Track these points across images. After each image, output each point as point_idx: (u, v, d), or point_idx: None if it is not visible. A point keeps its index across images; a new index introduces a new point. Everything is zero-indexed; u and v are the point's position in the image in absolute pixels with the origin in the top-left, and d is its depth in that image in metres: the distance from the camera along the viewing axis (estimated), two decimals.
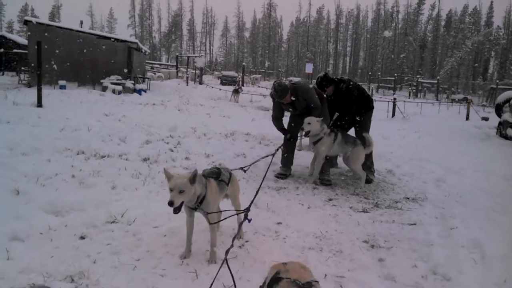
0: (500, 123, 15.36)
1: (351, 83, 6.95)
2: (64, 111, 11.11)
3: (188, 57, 55.18)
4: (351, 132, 7.16)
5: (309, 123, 6.17)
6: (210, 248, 3.56)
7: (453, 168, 8.19)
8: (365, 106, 7.10)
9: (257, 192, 3.85)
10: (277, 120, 6.91)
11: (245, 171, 4.65)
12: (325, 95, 7.06)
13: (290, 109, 6.81)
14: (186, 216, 3.62)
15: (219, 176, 3.76)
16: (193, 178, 3.22)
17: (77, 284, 3.02)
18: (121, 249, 3.57)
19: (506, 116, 14.80)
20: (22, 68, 22.41)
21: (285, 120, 7.04)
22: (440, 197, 6.07)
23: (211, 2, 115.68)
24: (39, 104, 11.65)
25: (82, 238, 3.75)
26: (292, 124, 6.94)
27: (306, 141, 9.51)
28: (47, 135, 7.60)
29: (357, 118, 7.05)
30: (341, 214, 5.07)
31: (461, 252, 4.04)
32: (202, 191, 3.41)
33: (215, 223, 3.56)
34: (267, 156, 5.47)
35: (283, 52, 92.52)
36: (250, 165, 4.78)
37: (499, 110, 16.59)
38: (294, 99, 6.48)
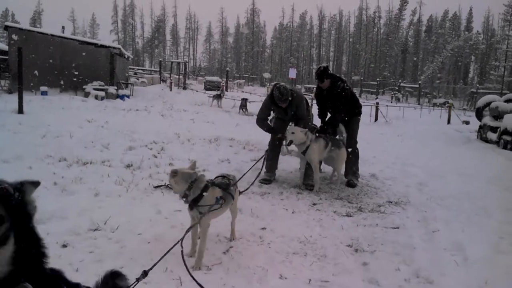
0: (480, 127, 15.64)
1: (347, 85, 7.09)
2: (46, 117, 10.97)
3: (172, 62, 54.95)
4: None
5: (292, 133, 6.23)
6: (197, 254, 3.55)
7: (435, 171, 8.30)
8: (354, 110, 7.18)
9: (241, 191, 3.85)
10: (263, 121, 6.94)
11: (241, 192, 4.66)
12: (316, 90, 7.27)
13: (279, 113, 6.84)
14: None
15: (227, 188, 3.84)
16: (172, 174, 3.55)
17: None
18: (104, 257, 3.53)
19: (486, 119, 15.08)
20: (3, 74, 22.07)
21: None
22: (423, 201, 6.14)
23: (194, 8, 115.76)
24: (20, 110, 11.49)
25: (65, 246, 3.69)
26: (273, 127, 7.01)
27: (291, 146, 9.58)
28: (29, 142, 7.52)
29: (345, 118, 7.13)
30: (325, 219, 5.08)
31: (443, 255, 4.09)
32: (193, 191, 3.52)
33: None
34: (257, 161, 5.45)
35: (266, 57, 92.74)
36: (248, 187, 4.75)
37: (479, 114, 16.90)
38: (289, 105, 6.55)
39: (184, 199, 3.56)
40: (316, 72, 7.08)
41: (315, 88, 7.85)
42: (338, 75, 7.25)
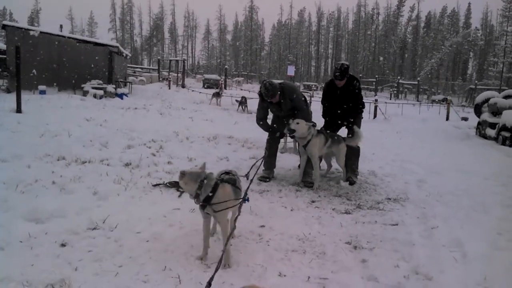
0: (479, 123, 15.65)
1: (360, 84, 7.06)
2: (44, 116, 10.96)
3: (170, 60, 54.86)
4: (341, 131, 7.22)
5: (297, 123, 6.18)
6: (225, 252, 3.43)
7: (434, 168, 8.30)
8: (359, 108, 7.13)
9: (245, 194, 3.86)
10: (262, 121, 6.90)
11: (247, 177, 4.68)
12: (326, 87, 7.17)
13: (275, 110, 6.80)
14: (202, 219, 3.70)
15: (235, 184, 3.83)
16: (180, 175, 3.49)
17: None
18: (103, 256, 3.53)
19: (485, 116, 15.09)
20: (1, 73, 22.02)
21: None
22: (422, 197, 6.13)
23: (193, 5, 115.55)
24: (19, 109, 11.47)
25: (63, 245, 3.69)
26: (275, 125, 6.96)
27: (289, 144, 9.57)
28: (27, 141, 7.51)
29: (350, 119, 7.06)
30: (324, 216, 5.08)
31: (442, 252, 4.09)
32: (204, 190, 3.48)
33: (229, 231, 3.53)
34: (261, 158, 5.46)
35: (265, 54, 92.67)
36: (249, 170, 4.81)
37: (478, 110, 16.92)
38: (281, 99, 6.50)
39: (196, 199, 3.52)
40: (338, 69, 6.72)
41: (323, 86, 7.67)
42: (352, 74, 7.09)
